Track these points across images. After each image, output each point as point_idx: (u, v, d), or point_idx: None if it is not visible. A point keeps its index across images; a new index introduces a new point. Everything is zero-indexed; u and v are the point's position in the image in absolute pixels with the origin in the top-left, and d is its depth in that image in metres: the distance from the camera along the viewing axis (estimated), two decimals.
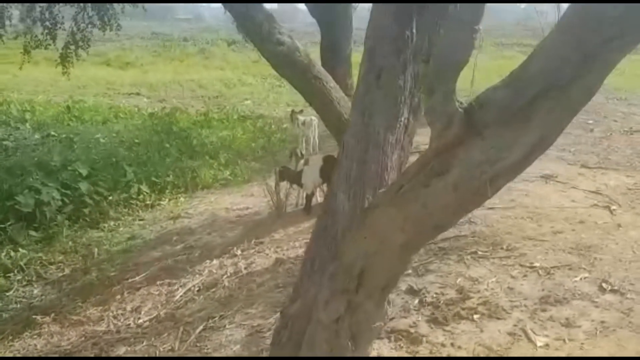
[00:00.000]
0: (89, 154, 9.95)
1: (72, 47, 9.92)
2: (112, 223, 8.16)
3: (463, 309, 4.03)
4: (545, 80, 1.76)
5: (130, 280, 5.90)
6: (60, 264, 7.08)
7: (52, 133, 11.26)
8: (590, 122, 10.37)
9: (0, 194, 7.97)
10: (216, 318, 4.54)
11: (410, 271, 4.64)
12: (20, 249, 7.21)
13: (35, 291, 6.44)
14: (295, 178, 6.63)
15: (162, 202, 8.87)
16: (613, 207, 5.74)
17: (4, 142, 10.70)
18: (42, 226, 7.81)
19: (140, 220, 8.25)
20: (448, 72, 1.90)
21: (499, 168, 1.96)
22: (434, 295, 4.23)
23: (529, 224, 5.36)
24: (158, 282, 5.67)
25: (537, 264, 4.54)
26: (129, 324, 4.94)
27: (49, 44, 10.02)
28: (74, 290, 6.25)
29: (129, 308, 5.23)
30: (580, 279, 4.31)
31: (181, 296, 5.21)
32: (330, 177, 6.68)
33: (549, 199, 6.00)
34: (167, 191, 9.20)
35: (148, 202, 8.84)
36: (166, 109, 13.12)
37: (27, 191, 8.01)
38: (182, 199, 9.05)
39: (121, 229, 8.03)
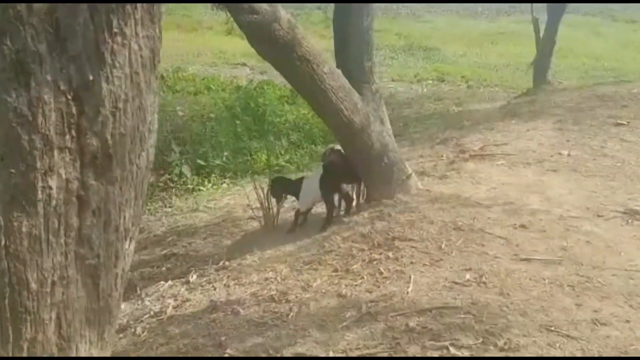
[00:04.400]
0: (161, 127, 9.00)
1: None
2: None
3: None
4: None
5: None
6: None
7: None
8: None
9: None
10: None
11: None
12: None
13: None
14: (292, 189, 5.01)
15: (202, 188, 7.67)
16: None
17: None
18: None
19: (168, 207, 7.13)
20: None
21: None
22: None
23: (565, 298, 3.31)
24: None
25: None
26: None
27: None
28: None
29: None
30: None
31: None
32: (330, 189, 4.98)
33: (617, 252, 3.82)
34: (213, 175, 7.98)
35: (189, 187, 7.69)
36: (253, 82, 11.86)
37: None
38: (224, 185, 7.79)
39: (144, 216, 6.95)
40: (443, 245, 4.02)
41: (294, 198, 5.22)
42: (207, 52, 15.68)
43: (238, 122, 9.64)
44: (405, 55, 16.69)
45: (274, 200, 5.08)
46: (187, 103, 10.77)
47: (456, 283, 3.54)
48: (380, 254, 4.03)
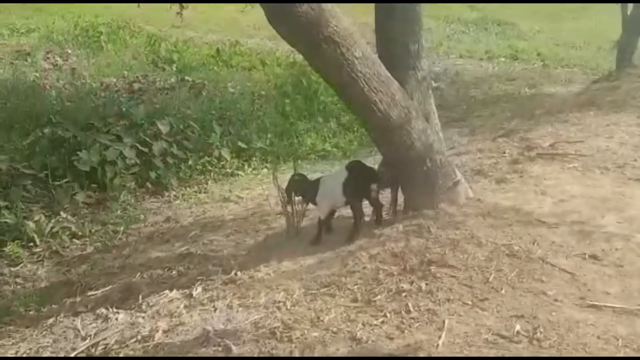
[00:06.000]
0: (210, 105, 8.38)
1: None
2: (173, 193, 6.57)
3: None
4: None
5: (72, 299, 4.20)
6: (87, 239, 5.68)
7: (187, 78, 9.93)
8: None
9: (68, 145, 6.72)
10: None
11: None
12: (61, 213, 5.93)
13: (41, 271, 5.12)
14: (308, 191, 4.18)
15: (241, 173, 7.04)
16: None
17: (134, 84, 9.66)
18: (100, 188, 6.49)
19: (202, 193, 6.54)
20: None
21: None
22: None
23: None
24: (95, 313, 3.87)
25: None
26: None
27: None
28: (49, 289, 4.77)
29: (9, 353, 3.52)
30: None
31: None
32: (355, 193, 4.14)
33: None
34: (254, 159, 7.33)
35: (228, 170, 7.08)
36: None
37: (98, 145, 6.69)
38: (264, 170, 7.13)
39: (177, 202, 6.40)
40: (491, 278, 3.18)
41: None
42: (267, 24, 14.93)
43: (287, 100, 8.97)
44: (478, 29, 15.39)
45: (296, 200, 4.31)
46: (240, 79, 10.12)
47: (502, 336, 2.71)
48: (412, 282, 3.23)
